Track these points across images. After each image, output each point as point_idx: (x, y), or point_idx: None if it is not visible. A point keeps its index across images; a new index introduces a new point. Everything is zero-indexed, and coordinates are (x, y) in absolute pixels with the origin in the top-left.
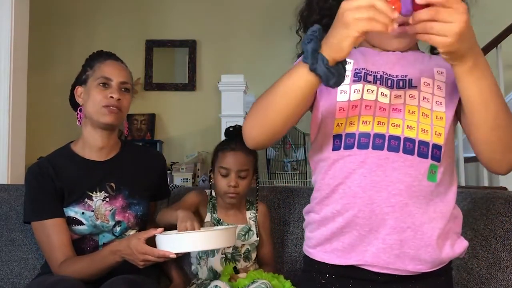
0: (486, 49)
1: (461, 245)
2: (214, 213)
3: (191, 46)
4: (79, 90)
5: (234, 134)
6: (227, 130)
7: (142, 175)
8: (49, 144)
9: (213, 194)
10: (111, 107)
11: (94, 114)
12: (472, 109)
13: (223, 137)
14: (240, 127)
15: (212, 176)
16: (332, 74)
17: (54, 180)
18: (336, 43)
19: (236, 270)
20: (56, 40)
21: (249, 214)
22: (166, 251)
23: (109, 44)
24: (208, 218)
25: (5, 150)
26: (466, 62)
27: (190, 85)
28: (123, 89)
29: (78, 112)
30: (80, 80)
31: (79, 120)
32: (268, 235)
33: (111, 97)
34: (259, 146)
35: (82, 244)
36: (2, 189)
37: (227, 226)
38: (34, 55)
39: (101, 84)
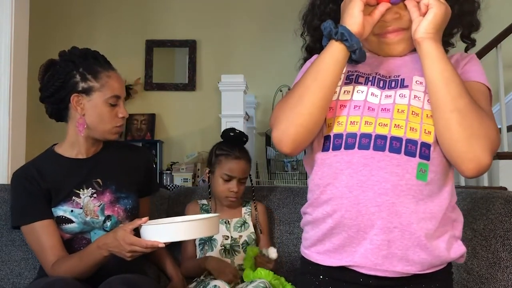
0: (486, 49)
1: (458, 249)
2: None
3: (191, 46)
4: (76, 99)
5: (235, 140)
6: (226, 133)
7: (127, 169)
8: (49, 144)
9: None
10: (120, 127)
11: (101, 132)
12: (435, 87)
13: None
14: (240, 132)
15: (210, 176)
16: (354, 39)
17: (40, 182)
18: (348, 14)
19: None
20: (56, 40)
21: (244, 210)
22: (155, 241)
23: (109, 44)
24: None
25: (5, 150)
26: (437, 39)
27: (190, 85)
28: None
29: (78, 121)
30: (76, 87)
31: (80, 131)
32: (267, 233)
33: (122, 117)
34: (297, 148)
35: (75, 244)
36: (2, 189)
37: (210, 215)
38: (34, 55)
39: (111, 103)
